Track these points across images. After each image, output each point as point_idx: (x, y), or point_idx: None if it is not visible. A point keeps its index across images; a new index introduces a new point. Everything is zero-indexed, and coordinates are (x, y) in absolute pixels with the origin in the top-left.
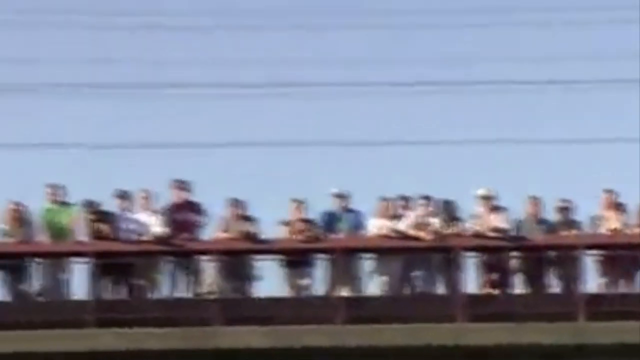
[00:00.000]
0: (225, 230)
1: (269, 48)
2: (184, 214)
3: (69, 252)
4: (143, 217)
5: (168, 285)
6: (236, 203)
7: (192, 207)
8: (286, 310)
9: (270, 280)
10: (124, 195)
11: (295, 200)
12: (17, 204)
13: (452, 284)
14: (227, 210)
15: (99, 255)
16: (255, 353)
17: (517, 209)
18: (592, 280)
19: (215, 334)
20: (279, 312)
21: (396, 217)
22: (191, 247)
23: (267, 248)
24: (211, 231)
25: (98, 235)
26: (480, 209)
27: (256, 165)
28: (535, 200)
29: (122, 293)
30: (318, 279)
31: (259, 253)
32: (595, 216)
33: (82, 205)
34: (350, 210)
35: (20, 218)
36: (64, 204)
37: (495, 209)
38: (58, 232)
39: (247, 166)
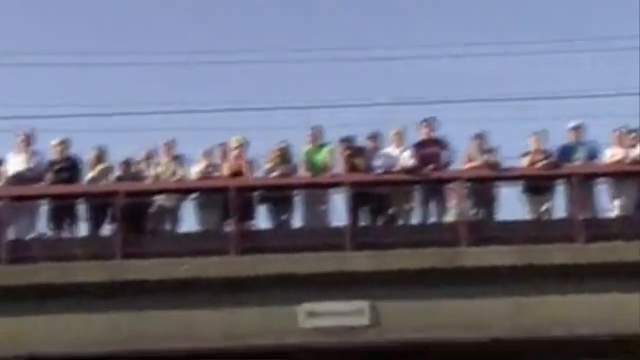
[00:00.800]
0: (470, 161)
1: None
2: (431, 149)
3: (328, 184)
4: (394, 152)
5: (419, 212)
6: (479, 136)
7: (438, 142)
8: (528, 232)
9: (512, 206)
10: (375, 136)
11: (535, 133)
12: (282, 144)
13: None
14: (471, 143)
15: (354, 185)
16: (499, 271)
17: None
18: None
19: (464, 254)
20: (522, 233)
21: (630, 146)
22: (440, 176)
23: (510, 175)
24: (457, 164)
25: (353, 169)
26: None
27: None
28: None
29: (377, 221)
30: (558, 204)
31: (502, 180)
32: None
33: (339, 142)
34: (585, 143)
35: (284, 156)
36: (322, 145)
37: None
38: (317, 169)
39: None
